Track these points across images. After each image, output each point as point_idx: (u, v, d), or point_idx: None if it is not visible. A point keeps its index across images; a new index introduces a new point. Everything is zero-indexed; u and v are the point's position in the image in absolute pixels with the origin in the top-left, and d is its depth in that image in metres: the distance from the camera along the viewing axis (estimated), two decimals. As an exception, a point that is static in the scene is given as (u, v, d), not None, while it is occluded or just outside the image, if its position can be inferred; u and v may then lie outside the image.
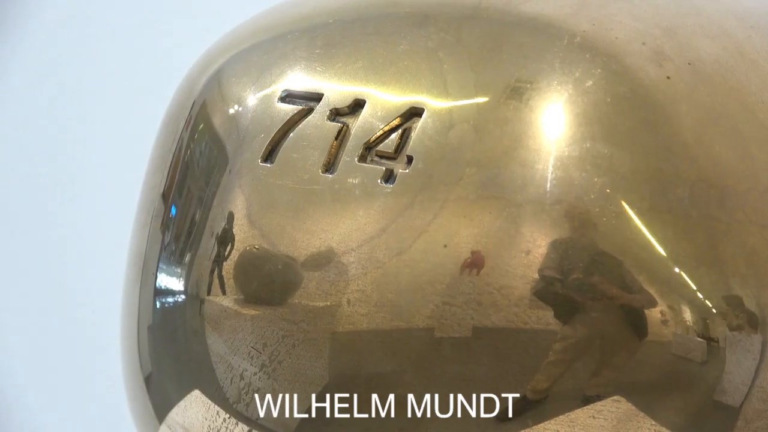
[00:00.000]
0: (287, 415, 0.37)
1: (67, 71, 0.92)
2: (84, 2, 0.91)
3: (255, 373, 0.38)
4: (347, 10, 0.41)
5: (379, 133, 0.37)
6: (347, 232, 0.36)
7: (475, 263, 0.34)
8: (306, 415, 0.37)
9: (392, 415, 0.36)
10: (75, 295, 0.91)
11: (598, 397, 0.34)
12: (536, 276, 0.34)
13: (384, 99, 0.37)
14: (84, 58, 0.91)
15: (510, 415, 0.34)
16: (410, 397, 0.35)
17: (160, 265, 0.42)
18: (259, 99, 0.40)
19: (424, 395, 0.35)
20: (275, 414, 0.37)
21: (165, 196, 0.43)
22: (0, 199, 0.96)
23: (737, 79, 0.37)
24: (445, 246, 0.35)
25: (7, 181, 0.96)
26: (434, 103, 0.36)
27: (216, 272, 0.39)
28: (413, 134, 0.36)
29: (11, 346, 0.96)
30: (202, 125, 0.42)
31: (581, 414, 0.34)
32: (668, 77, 0.36)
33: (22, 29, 0.95)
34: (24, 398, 0.95)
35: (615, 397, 0.34)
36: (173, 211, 0.42)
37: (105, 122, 0.88)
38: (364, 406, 0.36)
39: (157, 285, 0.42)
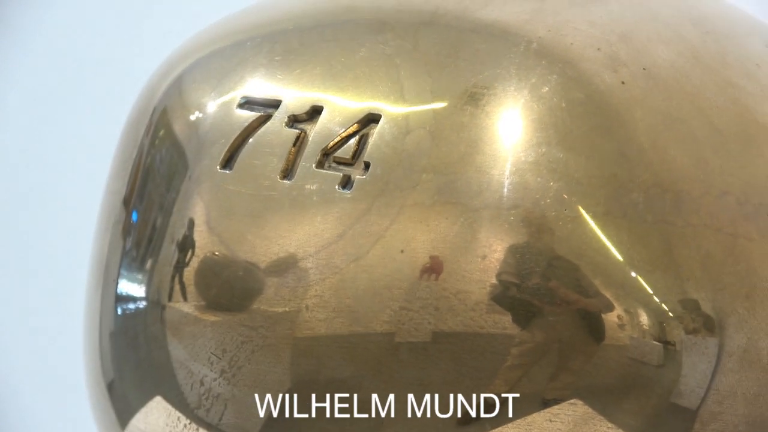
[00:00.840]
0: (247, 420, 0.37)
1: (30, 77, 0.92)
2: (46, 11, 0.91)
3: (215, 379, 0.38)
4: (306, 17, 0.41)
5: (336, 140, 0.37)
6: (305, 238, 0.36)
7: (432, 268, 0.34)
8: (265, 421, 0.37)
9: (352, 419, 0.36)
10: (36, 301, 0.90)
11: (556, 401, 0.34)
12: (493, 281, 0.34)
13: (341, 105, 0.37)
14: (44, 65, 0.91)
15: (468, 418, 0.34)
16: (370, 400, 0.35)
17: (122, 271, 0.42)
18: (218, 105, 0.40)
19: (383, 399, 0.35)
20: (235, 419, 0.37)
21: (126, 201, 0.43)
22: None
23: (693, 84, 0.37)
24: (402, 251, 0.35)
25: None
26: (391, 109, 0.36)
27: (177, 278, 0.39)
28: (370, 140, 0.36)
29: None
30: (162, 131, 0.42)
31: (539, 417, 0.34)
32: (623, 82, 0.36)
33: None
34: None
35: (572, 401, 0.34)
36: (134, 217, 0.42)
37: (66, 128, 0.88)
38: (323, 410, 0.36)
39: (118, 291, 0.42)
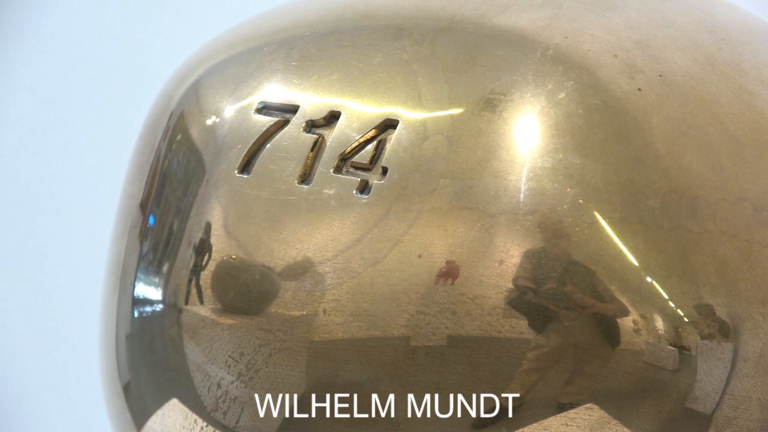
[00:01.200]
0: (264, 422, 0.37)
1: (46, 81, 0.92)
2: (63, 14, 0.91)
3: (232, 382, 0.38)
4: (323, 22, 0.41)
5: (354, 145, 0.37)
6: (323, 243, 0.36)
7: (449, 273, 0.34)
8: (283, 423, 0.37)
9: (369, 422, 0.36)
10: (53, 304, 0.90)
11: (572, 405, 0.34)
12: (510, 285, 0.34)
13: (359, 111, 0.37)
14: (63, 69, 0.91)
15: (484, 421, 0.34)
16: (387, 403, 0.35)
17: (138, 275, 0.42)
18: (236, 110, 0.40)
19: (399, 402, 0.35)
20: (252, 422, 0.37)
21: (143, 205, 0.43)
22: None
23: (708, 91, 0.37)
24: (420, 256, 0.35)
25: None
26: (409, 115, 0.36)
27: (194, 282, 0.39)
28: (388, 146, 0.36)
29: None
30: (179, 136, 0.42)
31: (554, 421, 0.34)
32: (640, 89, 0.36)
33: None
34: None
35: (588, 405, 0.34)
36: (151, 220, 0.42)
37: (82, 132, 0.88)
38: (340, 414, 0.36)
39: (135, 294, 0.42)
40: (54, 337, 0.90)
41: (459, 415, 0.35)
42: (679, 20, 0.39)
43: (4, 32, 0.94)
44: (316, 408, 0.36)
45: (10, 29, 0.94)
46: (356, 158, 0.37)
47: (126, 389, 0.42)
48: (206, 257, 0.39)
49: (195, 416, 0.39)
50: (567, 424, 0.34)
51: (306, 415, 0.37)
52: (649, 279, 0.34)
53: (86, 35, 0.89)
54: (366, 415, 0.36)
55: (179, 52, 0.45)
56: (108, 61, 0.87)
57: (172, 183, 0.41)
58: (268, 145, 0.39)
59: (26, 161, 0.93)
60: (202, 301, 0.39)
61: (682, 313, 0.34)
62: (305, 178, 0.37)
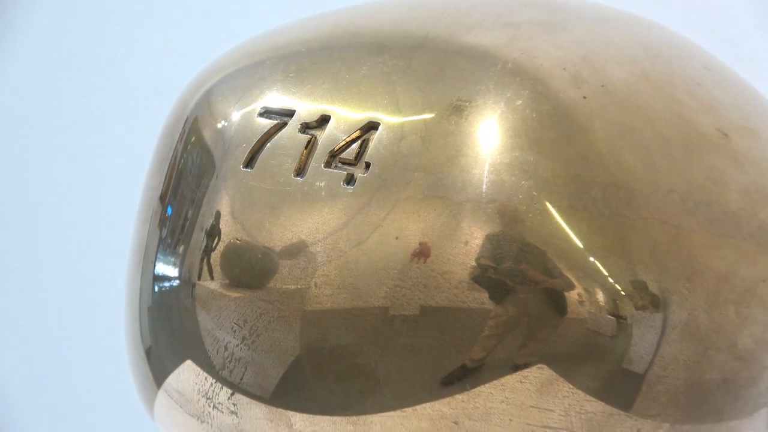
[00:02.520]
0: (264, 379, 0.37)
1: (84, 94, 0.92)
2: (96, 35, 0.91)
3: (237, 345, 0.38)
4: (316, 40, 0.41)
5: (341, 144, 0.37)
6: (315, 227, 0.36)
7: (422, 252, 0.35)
8: (280, 381, 0.37)
9: (353, 379, 0.36)
10: (87, 281, 0.90)
11: (525, 365, 0.34)
12: (473, 263, 0.34)
13: (346, 115, 0.38)
14: (98, 84, 0.91)
15: (451, 379, 0.35)
16: (368, 363, 0.36)
17: (158, 255, 0.42)
18: (241, 115, 0.40)
19: (379, 363, 0.35)
20: (254, 379, 0.38)
21: (162, 197, 0.43)
22: (29, 198, 0.96)
23: (643, 100, 0.37)
24: (397, 238, 0.35)
25: (35, 184, 0.96)
26: (388, 119, 0.37)
27: (205, 261, 0.39)
28: (370, 144, 0.36)
29: (37, 327, 0.95)
30: (193, 137, 0.42)
31: (510, 379, 0.34)
32: (585, 97, 0.36)
33: (41, 39, 0.94)
34: (50, 369, 0.95)
35: (539, 365, 0.34)
36: (169, 210, 0.42)
37: (113, 134, 0.88)
38: (329, 372, 0.36)
39: (155, 272, 0.42)
40: (88, 310, 0.90)
41: (430, 373, 0.35)
42: (618, 39, 0.39)
43: (40, 47, 0.94)
44: (308, 367, 0.37)
45: (48, 45, 0.94)
46: (343, 155, 0.37)
47: (148, 353, 0.43)
48: (216, 240, 0.39)
49: (206, 374, 0.39)
50: (521, 381, 0.34)
51: (299, 374, 0.37)
52: (591, 258, 0.34)
53: (116, 55, 0.89)
54: (351, 373, 0.36)
55: (193, 65, 0.45)
56: (135, 75, 0.87)
57: (187, 178, 0.42)
58: (268, 144, 0.39)
59: (68, 160, 0.93)
60: (212, 277, 0.39)
61: (619, 288, 0.34)
62: (300, 171, 0.37)
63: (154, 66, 0.85)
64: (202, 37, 0.75)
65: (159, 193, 0.43)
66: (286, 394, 0.37)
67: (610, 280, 0.34)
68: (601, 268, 0.34)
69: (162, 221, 0.42)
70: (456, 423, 0.35)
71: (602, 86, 0.36)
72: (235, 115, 0.40)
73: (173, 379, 0.41)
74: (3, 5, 0.98)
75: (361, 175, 0.36)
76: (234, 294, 0.38)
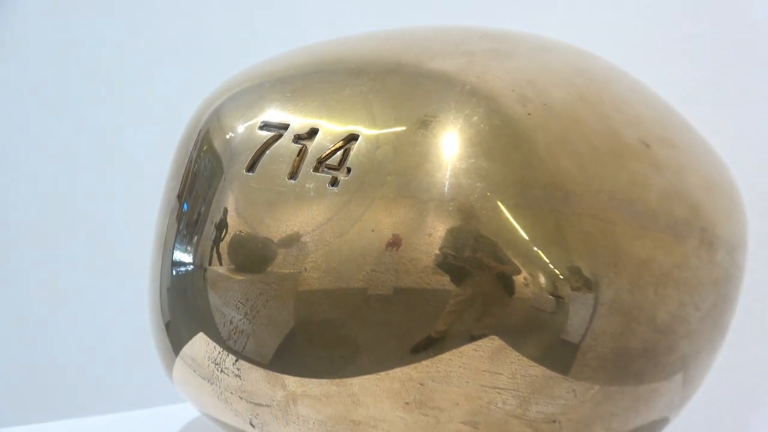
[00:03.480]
0: (263, 348, 0.37)
1: (119, 113, 0.92)
2: (130, 63, 0.90)
3: (240, 319, 0.38)
4: (308, 65, 0.42)
5: (328, 152, 0.37)
6: (305, 221, 0.36)
7: (394, 243, 0.35)
8: (276, 349, 0.37)
9: (337, 348, 0.36)
10: (118, 267, 0.90)
11: (480, 336, 0.34)
12: (437, 252, 0.34)
13: (331, 128, 0.38)
14: (128, 103, 0.91)
15: (418, 348, 0.35)
16: (350, 335, 0.36)
17: (176, 245, 0.42)
18: (245, 128, 0.40)
19: (359, 334, 0.36)
20: (254, 347, 0.38)
21: (179, 196, 0.43)
22: (69, 198, 0.96)
23: (578, 115, 0.37)
24: (373, 230, 0.35)
25: (82, 187, 0.95)
26: (366, 131, 0.37)
27: (214, 249, 0.39)
28: (351, 152, 0.36)
29: (76, 305, 0.95)
30: (205, 146, 0.42)
31: (467, 348, 0.34)
32: (529, 113, 0.36)
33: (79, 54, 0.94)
34: (86, 343, 0.95)
35: (491, 337, 0.34)
36: (185, 207, 0.42)
37: (139, 144, 0.88)
38: (317, 341, 0.36)
39: (173, 258, 0.42)
40: (117, 291, 0.90)
41: (400, 343, 0.35)
42: (558, 66, 0.40)
43: (81, 70, 0.93)
44: (300, 337, 0.37)
45: (84, 67, 0.93)
46: (329, 161, 0.37)
47: (167, 326, 0.43)
48: (223, 232, 0.39)
49: (214, 344, 0.39)
50: (476, 350, 0.34)
51: (292, 343, 0.37)
52: (534, 248, 0.34)
53: (143, 79, 0.89)
54: (335, 342, 0.36)
55: (206, 86, 0.45)
56: (158, 94, 0.87)
57: (200, 180, 0.42)
58: (267, 152, 0.39)
59: (102, 166, 0.93)
60: (220, 263, 0.39)
61: (557, 272, 0.34)
62: (293, 175, 0.37)
63: (174, 86, 0.85)
64: (214, 62, 0.75)
65: (177, 193, 0.43)
66: (281, 360, 0.37)
67: (550, 266, 0.34)
68: (543, 255, 0.34)
69: (179, 216, 0.42)
70: (422, 384, 0.35)
71: (544, 104, 0.37)
72: (240, 128, 0.40)
73: (188, 348, 0.41)
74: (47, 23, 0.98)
75: (344, 178, 0.36)
76: (238, 277, 0.38)
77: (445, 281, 0.34)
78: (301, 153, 0.38)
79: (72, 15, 0.94)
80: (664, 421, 0.40)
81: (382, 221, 0.35)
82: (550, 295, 0.34)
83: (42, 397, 0.97)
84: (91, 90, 0.94)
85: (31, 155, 0.99)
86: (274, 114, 0.40)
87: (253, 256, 0.38)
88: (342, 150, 0.37)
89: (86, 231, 0.94)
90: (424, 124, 0.36)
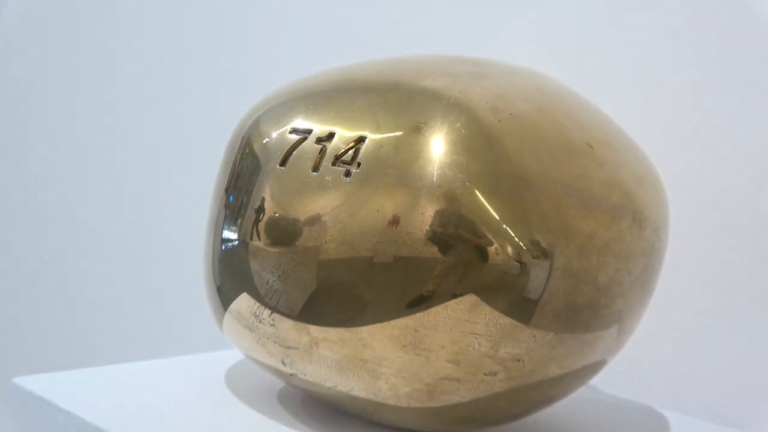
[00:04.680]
0: (292, 303, 0.38)
1: (181, 124, 0.92)
2: (182, 79, 0.91)
3: (274, 281, 0.38)
4: (326, 84, 0.42)
5: (342, 150, 0.37)
6: (324, 204, 0.37)
7: (394, 221, 0.35)
8: (302, 304, 0.37)
9: (349, 303, 0.36)
10: (180, 245, 0.91)
11: (461, 294, 0.35)
12: (427, 228, 0.35)
13: (345, 133, 0.38)
14: (189, 116, 0.91)
15: (413, 303, 0.35)
16: (360, 294, 0.36)
17: (224, 226, 0.42)
18: (278, 133, 0.41)
19: (367, 293, 0.36)
20: (285, 303, 0.38)
21: (227, 190, 0.43)
22: (138, 190, 0.96)
23: (537, 122, 0.37)
24: (378, 211, 0.35)
25: (138, 182, 0.95)
26: (372, 135, 0.37)
27: (254, 228, 0.39)
28: (361, 151, 0.37)
29: (155, 282, 0.95)
30: (247, 150, 0.42)
31: (451, 303, 0.35)
32: (499, 121, 0.36)
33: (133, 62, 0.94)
34: (154, 307, 0.95)
35: (469, 294, 0.35)
36: (231, 198, 0.42)
37: (197, 148, 0.88)
38: (334, 299, 0.37)
39: (222, 236, 0.42)
40: (181, 266, 0.90)
41: (399, 299, 0.35)
42: (522, 85, 0.40)
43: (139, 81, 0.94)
44: (320, 295, 0.37)
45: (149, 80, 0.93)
46: (343, 158, 0.37)
47: (218, 289, 0.43)
48: (261, 214, 0.39)
49: (254, 301, 0.39)
50: (458, 304, 0.35)
51: (315, 301, 0.37)
52: (504, 225, 0.35)
53: (199, 96, 0.89)
54: (348, 299, 0.36)
55: (248, 102, 0.46)
56: (211, 109, 0.87)
57: (243, 176, 0.42)
58: (295, 151, 0.39)
59: (170, 166, 0.93)
60: (259, 239, 0.39)
61: (521, 244, 0.35)
62: (315, 168, 0.38)
63: (224, 102, 0.85)
64: (250, 85, 0.76)
65: (225, 187, 0.43)
66: (306, 312, 0.37)
67: (516, 239, 0.35)
68: (510, 231, 0.35)
69: (226, 205, 0.43)
70: (416, 331, 0.35)
71: (511, 114, 0.37)
72: (274, 134, 0.41)
73: (234, 305, 0.41)
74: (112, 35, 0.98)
75: (355, 171, 0.37)
76: (273, 249, 0.39)
77: (434, 251, 0.35)
78: (322, 151, 0.38)
79: (132, 37, 0.94)
80: (603, 362, 0.41)
81: (384, 204, 0.35)
82: (516, 261, 0.35)
83: (120, 343, 0.97)
84: (158, 105, 0.95)
85: (113, 155, 0.99)
86: (300, 122, 0.40)
87: (284, 232, 0.38)
88: (353, 149, 0.37)
89: (159, 216, 0.94)
90: (418, 129, 0.36)
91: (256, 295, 0.39)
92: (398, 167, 0.36)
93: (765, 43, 0.51)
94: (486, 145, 0.36)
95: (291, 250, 0.38)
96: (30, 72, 1.14)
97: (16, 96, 1.17)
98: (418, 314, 0.35)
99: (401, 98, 0.38)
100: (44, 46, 1.12)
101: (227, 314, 0.42)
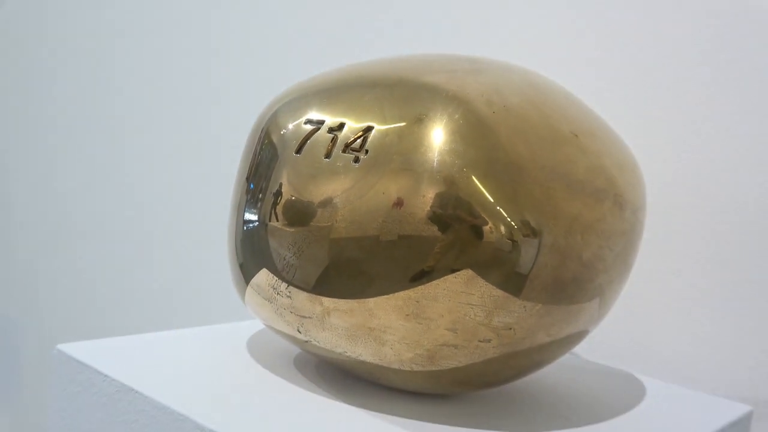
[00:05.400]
0: (307, 276, 0.37)
1: (207, 119, 0.91)
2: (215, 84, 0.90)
3: (291, 257, 0.37)
4: (338, 81, 0.41)
5: (352, 139, 0.36)
6: (336, 188, 0.36)
7: (398, 202, 0.34)
8: (316, 278, 0.37)
9: (358, 277, 0.36)
10: (207, 226, 0.90)
11: (458, 269, 0.34)
12: (428, 209, 0.34)
13: (354, 123, 0.37)
14: (214, 112, 0.91)
15: (416, 277, 0.34)
16: (368, 270, 0.35)
17: (246, 208, 0.41)
18: (294, 124, 0.40)
19: (373, 268, 0.35)
20: (301, 277, 0.37)
21: (248, 178, 0.42)
22: (174, 179, 0.95)
23: (528, 114, 0.37)
24: (384, 193, 0.35)
25: (176, 172, 0.95)
26: (379, 125, 0.36)
27: (273, 210, 0.39)
28: (369, 139, 0.36)
29: (184, 256, 0.95)
30: (266, 140, 0.41)
31: (450, 277, 0.34)
32: (494, 112, 0.36)
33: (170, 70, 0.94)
34: (182, 285, 0.94)
35: (466, 269, 0.34)
36: (252, 184, 0.42)
37: (222, 139, 0.88)
38: (344, 273, 0.36)
39: (244, 218, 0.41)
40: (208, 244, 0.90)
41: (402, 273, 0.35)
42: (515, 80, 0.39)
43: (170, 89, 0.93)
44: (332, 270, 0.36)
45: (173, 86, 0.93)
46: (353, 146, 0.36)
47: (241, 265, 0.42)
48: (279, 198, 0.39)
49: (273, 275, 0.39)
50: (455, 278, 0.34)
51: (328, 276, 0.36)
52: (497, 207, 0.34)
53: (224, 91, 0.89)
54: (356, 274, 0.36)
55: (266, 97, 0.45)
56: (233, 104, 0.87)
57: (262, 165, 0.41)
58: (310, 140, 0.38)
59: (198, 156, 0.93)
60: (277, 220, 0.38)
61: (513, 224, 0.34)
62: (327, 155, 0.37)
63: (245, 98, 0.84)
64: (271, 81, 0.75)
65: (246, 175, 0.43)
66: (319, 286, 0.37)
67: (508, 219, 0.34)
68: (503, 212, 0.34)
69: (247, 190, 0.42)
70: (417, 302, 0.35)
71: (504, 106, 0.36)
72: (291, 125, 0.40)
73: (255, 279, 0.40)
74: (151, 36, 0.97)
75: (363, 157, 0.36)
76: (289, 229, 0.38)
77: (434, 230, 0.34)
78: (334, 140, 0.37)
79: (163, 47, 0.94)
80: (585, 332, 0.40)
81: (390, 187, 0.35)
82: (508, 239, 0.34)
83: (155, 313, 0.97)
84: (191, 104, 0.94)
85: (161, 152, 0.98)
86: (314, 114, 0.39)
87: (299, 213, 0.37)
88: (362, 138, 0.36)
89: (190, 201, 0.93)
90: (420, 120, 0.35)
91: (274, 270, 0.38)
92: (402, 154, 0.35)
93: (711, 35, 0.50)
94: (481, 135, 0.35)
95: (306, 230, 0.37)
96: (76, 68, 1.14)
97: (78, 80, 1.16)
98: (419, 287, 0.34)
99: (405, 92, 0.37)
100: (84, 43, 1.11)
101: (249, 288, 0.41)
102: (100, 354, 0.43)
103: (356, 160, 0.36)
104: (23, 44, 1.27)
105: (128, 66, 1.04)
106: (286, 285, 0.38)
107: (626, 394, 0.46)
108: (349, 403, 0.39)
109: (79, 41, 1.14)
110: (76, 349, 0.43)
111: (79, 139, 1.13)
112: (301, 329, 0.38)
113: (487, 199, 0.34)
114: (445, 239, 0.34)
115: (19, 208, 1.27)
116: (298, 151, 0.38)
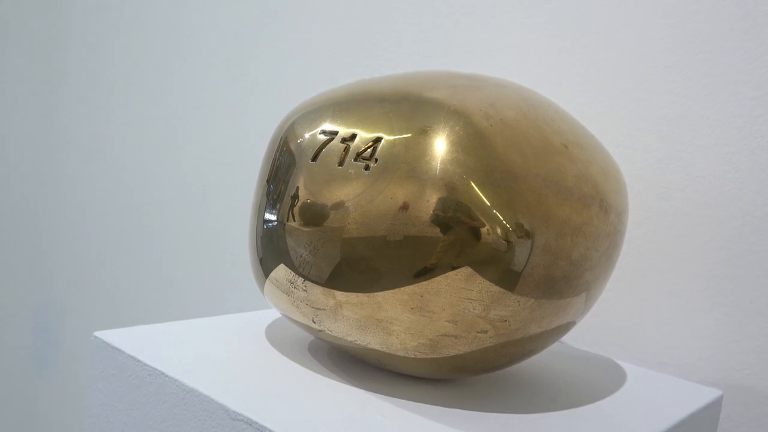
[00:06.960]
0: (321, 272, 0.37)
1: (232, 128, 0.91)
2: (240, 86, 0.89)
3: (307, 255, 0.37)
4: (349, 95, 0.41)
5: (363, 149, 0.36)
6: (348, 193, 0.36)
7: (405, 206, 0.34)
8: (329, 274, 0.37)
9: (368, 274, 0.35)
10: (230, 225, 0.90)
11: (458, 267, 0.34)
12: (431, 212, 0.34)
13: (365, 134, 0.37)
14: (238, 122, 0.90)
15: (420, 273, 0.34)
16: (376, 267, 0.35)
17: (266, 209, 0.41)
18: (310, 134, 0.40)
19: (382, 265, 0.35)
20: (316, 273, 0.37)
21: (268, 180, 0.42)
22: (201, 183, 0.95)
23: (522, 127, 0.36)
24: (391, 198, 0.34)
25: (190, 176, 0.94)
26: (387, 136, 0.36)
27: (291, 211, 0.39)
28: (378, 149, 0.36)
29: (209, 252, 0.94)
30: (285, 148, 0.41)
31: (451, 273, 0.34)
32: (491, 125, 0.35)
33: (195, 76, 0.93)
34: (196, 277, 0.94)
35: (465, 267, 0.34)
36: (272, 187, 0.41)
37: (246, 146, 0.87)
38: (355, 270, 0.36)
39: (264, 218, 0.41)
40: (231, 241, 0.89)
41: (408, 270, 0.34)
42: (510, 95, 0.39)
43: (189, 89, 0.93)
44: (344, 267, 0.36)
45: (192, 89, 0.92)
46: (363, 154, 0.36)
47: (261, 261, 0.42)
48: (296, 200, 0.38)
49: (290, 271, 0.39)
50: (456, 275, 0.34)
51: (340, 272, 0.36)
52: (494, 211, 0.34)
53: (247, 104, 0.88)
54: (366, 270, 0.35)
55: (285, 109, 0.45)
56: (257, 115, 0.86)
57: (281, 169, 0.41)
58: (324, 149, 0.38)
59: (226, 161, 0.92)
60: (294, 220, 0.38)
61: (508, 226, 0.34)
62: (340, 163, 0.37)
63: (266, 110, 0.84)
64: (289, 95, 0.75)
65: (266, 178, 0.42)
66: (332, 280, 0.36)
67: (504, 222, 0.34)
68: (499, 215, 0.34)
69: (267, 193, 0.42)
70: (421, 296, 0.34)
71: (501, 120, 0.36)
72: (307, 135, 0.40)
73: (274, 274, 0.40)
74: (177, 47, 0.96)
75: (373, 165, 0.36)
76: (305, 229, 0.38)
77: (436, 231, 0.34)
78: (346, 149, 0.37)
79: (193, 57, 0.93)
80: (572, 323, 0.40)
81: (397, 192, 0.34)
82: (504, 240, 0.34)
83: (184, 303, 0.97)
84: (217, 116, 0.93)
85: (190, 156, 0.98)
86: (328, 125, 0.39)
87: (315, 215, 0.37)
88: (372, 147, 0.36)
89: (214, 201, 0.93)
90: (424, 132, 0.35)
91: (291, 266, 0.38)
92: (408, 162, 0.35)
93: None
94: (480, 145, 0.35)
95: (320, 230, 0.37)
96: (114, 68, 1.13)
97: (110, 84, 1.16)
98: (423, 283, 0.34)
99: (410, 106, 0.37)
100: (121, 45, 1.11)
101: (268, 281, 0.41)
102: (133, 340, 0.43)
103: (367, 167, 0.36)
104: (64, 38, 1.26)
105: (167, 79, 1.03)
106: (303, 279, 0.38)
107: (608, 378, 0.46)
108: (358, 387, 0.39)
109: (112, 42, 1.14)
110: (112, 336, 0.43)
111: (132, 139, 1.11)
112: (315, 320, 0.38)
113: (485, 203, 0.34)
114: (447, 240, 0.34)
115: (67, 204, 1.26)
116: (314, 158, 0.38)
